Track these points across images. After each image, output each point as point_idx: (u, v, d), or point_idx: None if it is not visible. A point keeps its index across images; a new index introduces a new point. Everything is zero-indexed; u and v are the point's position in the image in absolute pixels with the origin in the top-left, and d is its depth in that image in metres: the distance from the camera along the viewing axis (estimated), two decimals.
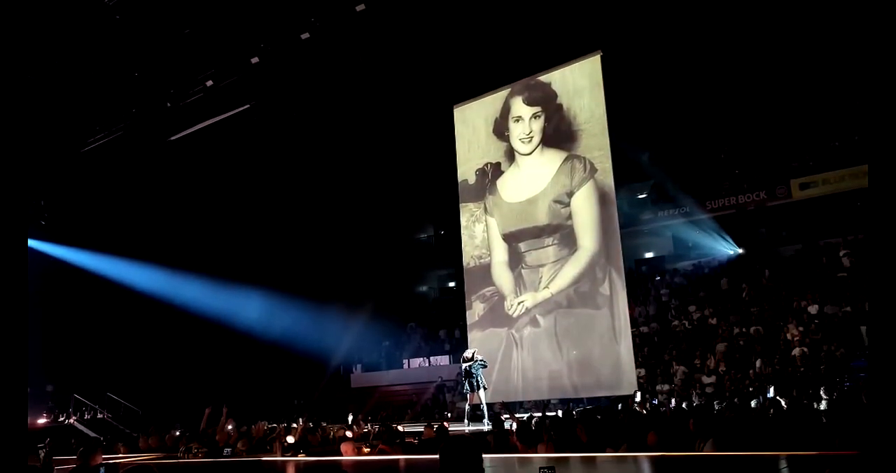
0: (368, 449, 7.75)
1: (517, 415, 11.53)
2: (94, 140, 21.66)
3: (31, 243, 20.05)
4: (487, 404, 13.18)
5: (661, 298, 20.46)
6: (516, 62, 17.80)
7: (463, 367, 13.27)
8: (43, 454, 8.67)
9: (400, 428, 10.71)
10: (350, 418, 13.82)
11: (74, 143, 21.68)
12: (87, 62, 17.86)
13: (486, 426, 11.83)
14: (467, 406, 13.78)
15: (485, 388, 13.22)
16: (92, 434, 17.73)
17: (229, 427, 10.08)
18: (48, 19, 15.58)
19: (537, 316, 15.93)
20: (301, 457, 8.01)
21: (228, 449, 8.65)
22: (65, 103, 19.01)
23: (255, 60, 20.32)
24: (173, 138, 23.82)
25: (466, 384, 13.07)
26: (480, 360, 13.32)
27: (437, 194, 22.59)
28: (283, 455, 8.21)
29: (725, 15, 18.48)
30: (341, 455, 7.29)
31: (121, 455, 9.72)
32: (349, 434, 9.72)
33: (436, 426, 9.40)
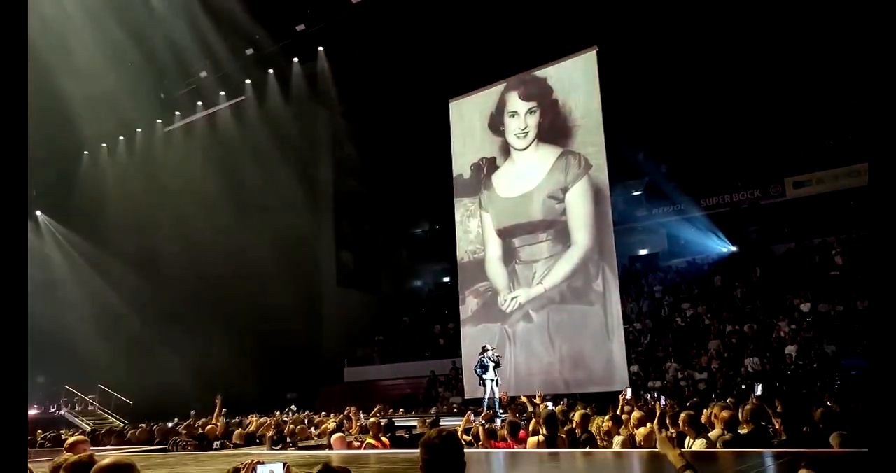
0: (359, 443, 7.71)
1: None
2: None
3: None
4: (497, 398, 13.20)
5: (654, 295, 20.50)
6: (512, 57, 17.75)
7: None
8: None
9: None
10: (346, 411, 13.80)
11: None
12: None
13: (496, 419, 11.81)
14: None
15: (488, 381, 13.27)
16: (83, 426, 17.68)
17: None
18: None
19: (530, 312, 15.93)
20: (291, 451, 7.97)
21: (218, 442, 8.62)
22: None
23: (249, 52, 20.31)
24: (168, 129, 23.78)
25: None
26: (482, 357, 13.45)
27: (432, 189, 22.52)
28: (273, 449, 8.16)
29: (722, 13, 18.46)
30: (332, 448, 7.25)
31: (109, 448, 9.69)
32: (340, 426, 9.67)
33: (429, 420, 9.36)
